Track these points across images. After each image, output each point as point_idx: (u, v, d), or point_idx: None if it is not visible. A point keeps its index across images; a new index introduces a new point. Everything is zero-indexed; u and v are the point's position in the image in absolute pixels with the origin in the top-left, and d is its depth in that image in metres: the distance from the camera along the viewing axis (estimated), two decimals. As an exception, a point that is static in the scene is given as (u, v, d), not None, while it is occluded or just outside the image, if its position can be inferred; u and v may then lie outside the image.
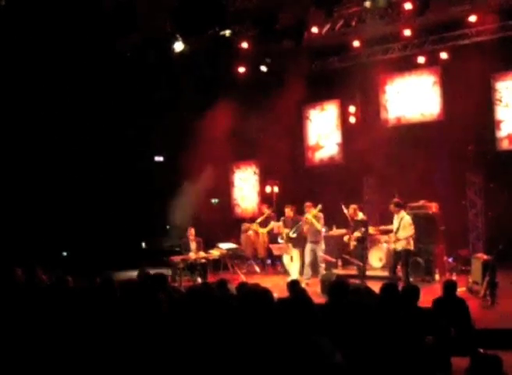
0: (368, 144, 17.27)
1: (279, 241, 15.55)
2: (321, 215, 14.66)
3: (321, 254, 14.64)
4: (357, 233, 13.54)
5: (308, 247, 14.75)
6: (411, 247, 12.78)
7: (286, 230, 15.20)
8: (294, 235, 14.90)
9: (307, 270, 14.76)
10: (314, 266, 14.71)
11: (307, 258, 14.78)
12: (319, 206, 14.60)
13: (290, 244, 15.00)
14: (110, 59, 15.84)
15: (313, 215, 14.54)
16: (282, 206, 15.85)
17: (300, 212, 14.99)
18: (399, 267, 13.30)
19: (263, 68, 17.91)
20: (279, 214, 16.32)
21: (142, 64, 16.24)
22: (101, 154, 17.52)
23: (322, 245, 14.73)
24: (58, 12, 13.59)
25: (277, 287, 13.98)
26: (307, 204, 14.73)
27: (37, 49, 14.70)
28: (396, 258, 12.97)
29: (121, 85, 16.87)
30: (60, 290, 7.81)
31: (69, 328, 6.35)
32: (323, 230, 15.94)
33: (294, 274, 15.10)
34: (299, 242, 15.00)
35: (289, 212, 15.36)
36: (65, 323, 6.51)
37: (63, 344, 6.04)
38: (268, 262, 17.82)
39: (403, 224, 12.72)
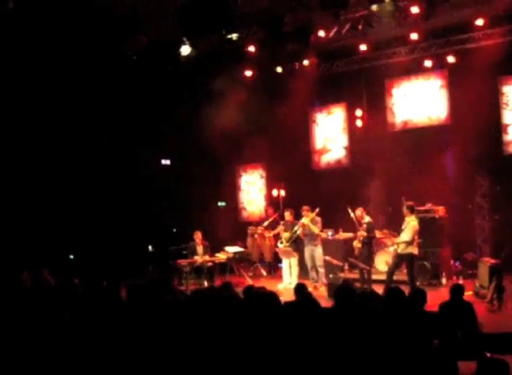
0: (375, 147, 17.30)
1: (279, 245, 15.59)
2: (318, 219, 14.74)
3: (319, 257, 14.69)
4: (361, 233, 13.53)
5: (307, 251, 14.83)
6: (415, 251, 12.77)
7: (285, 234, 15.29)
8: (287, 244, 15.04)
9: (312, 274, 14.81)
10: (316, 269, 14.77)
11: (309, 263, 14.85)
12: (316, 210, 14.69)
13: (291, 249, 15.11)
14: (117, 62, 15.85)
15: (310, 219, 14.59)
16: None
17: (298, 215, 15.06)
18: (404, 271, 13.33)
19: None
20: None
21: (149, 67, 16.25)
22: (108, 157, 17.51)
23: (320, 249, 14.76)
24: (64, 15, 13.61)
25: (284, 290, 14.05)
26: (305, 207, 14.82)
27: (44, 53, 14.72)
28: (397, 260, 12.97)
29: (127, 88, 16.87)
30: (67, 293, 7.82)
31: (76, 330, 6.35)
32: (329, 233, 16.00)
33: (286, 279, 15.20)
34: (297, 248, 15.10)
35: (288, 216, 15.49)
36: (72, 325, 6.52)
37: (70, 346, 6.05)
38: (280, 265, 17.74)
39: (407, 228, 12.73)
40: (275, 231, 16.55)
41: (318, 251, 14.74)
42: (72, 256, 17.45)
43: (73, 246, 17.12)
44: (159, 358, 5.54)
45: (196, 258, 15.32)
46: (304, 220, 14.66)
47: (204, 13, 14.02)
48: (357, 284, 12.98)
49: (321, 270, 14.66)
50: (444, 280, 14.31)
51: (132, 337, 5.94)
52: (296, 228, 14.99)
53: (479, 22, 14.90)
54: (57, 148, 16.61)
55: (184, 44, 15.44)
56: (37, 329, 6.55)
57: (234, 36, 15.48)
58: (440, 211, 14.91)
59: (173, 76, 16.96)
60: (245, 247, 17.81)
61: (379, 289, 11.49)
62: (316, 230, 14.62)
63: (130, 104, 17.35)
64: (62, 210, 16.62)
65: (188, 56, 15.65)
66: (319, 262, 14.69)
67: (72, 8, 13.49)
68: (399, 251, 12.77)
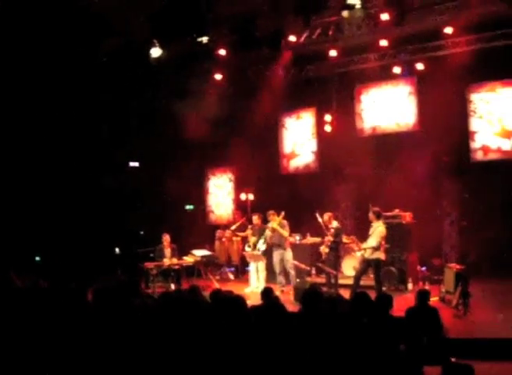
0: (344, 152, 17.33)
1: (246, 249, 15.58)
2: (285, 222, 14.75)
3: (290, 260, 14.69)
4: (328, 238, 13.56)
5: (276, 255, 14.81)
6: (382, 257, 12.81)
7: (253, 239, 15.27)
8: (263, 248, 14.98)
9: (280, 278, 14.78)
10: (286, 273, 14.75)
11: (277, 267, 14.81)
12: (282, 213, 14.68)
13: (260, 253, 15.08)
14: (86, 63, 15.74)
15: (277, 223, 14.60)
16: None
17: (266, 220, 15.05)
18: (371, 276, 13.36)
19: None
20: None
21: (118, 68, 16.16)
22: (76, 158, 17.40)
23: (290, 252, 14.77)
24: (36, 16, 13.52)
25: (251, 294, 14.02)
26: (270, 212, 14.83)
27: (13, 52, 14.59)
28: (364, 265, 13.02)
29: (97, 89, 16.77)
30: (34, 294, 7.75)
31: (42, 332, 6.29)
32: (297, 238, 16.02)
33: (253, 283, 15.19)
34: (265, 252, 15.08)
35: (256, 220, 15.47)
36: (37, 327, 6.45)
37: (35, 348, 5.99)
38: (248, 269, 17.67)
39: (374, 233, 12.78)
40: (243, 234, 16.56)
41: (288, 254, 14.71)
42: (38, 258, 17.30)
43: (40, 248, 16.98)
44: (124, 362, 5.50)
45: (163, 261, 15.24)
46: (273, 224, 14.65)
47: (175, 16, 13.99)
48: (324, 289, 13.00)
49: (292, 272, 14.65)
50: (410, 286, 14.40)
51: (98, 341, 5.89)
52: (264, 236, 14.95)
53: (448, 30, 15.02)
54: (23, 150, 16.46)
55: (155, 46, 15.40)
56: (3, 329, 6.48)
57: (205, 39, 15.46)
58: (407, 217, 15.00)
59: (143, 78, 16.87)
60: (213, 250, 17.78)
61: (346, 294, 11.52)
62: (285, 233, 14.63)
63: (99, 105, 17.24)
64: (28, 212, 16.48)
65: (158, 58, 15.59)
66: (289, 264, 14.67)
67: (44, 9, 13.41)
68: (366, 256, 12.81)
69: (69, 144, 17.14)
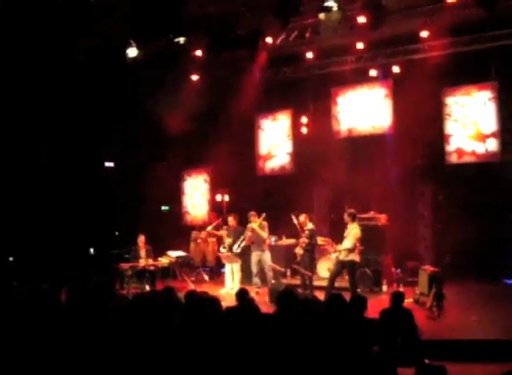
0: (319, 154, 17.36)
1: (222, 250, 15.58)
2: (265, 223, 14.79)
3: (267, 261, 14.70)
4: (303, 239, 13.59)
5: (254, 256, 14.81)
6: (357, 258, 12.86)
7: (228, 240, 15.27)
8: (239, 250, 14.99)
9: (256, 280, 14.79)
10: (262, 274, 14.75)
11: (254, 268, 14.82)
12: (263, 215, 14.71)
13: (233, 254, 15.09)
14: (62, 63, 15.65)
15: (258, 224, 14.61)
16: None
17: (245, 221, 15.04)
18: (346, 278, 13.39)
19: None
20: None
21: (94, 68, 16.07)
22: (50, 158, 17.28)
23: (268, 253, 14.79)
24: (12, 14, 13.43)
25: (226, 295, 14.02)
26: (252, 213, 14.85)
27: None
28: (339, 267, 13.05)
29: (71, 89, 16.66)
30: (6, 295, 7.68)
31: (15, 333, 6.24)
32: (272, 239, 16.03)
33: (228, 285, 15.20)
34: (241, 254, 15.08)
35: (231, 221, 15.48)
36: (11, 328, 6.40)
37: (8, 348, 5.94)
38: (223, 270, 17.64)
39: (349, 235, 12.82)
40: (218, 233, 16.55)
41: (267, 255, 14.74)
42: (11, 258, 17.16)
43: (14, 248, 16.84)
44: (97, 363, 5.47)
45: (139, 261, 15.17)
46: (253, 225, 14.65)
47: (152, 16, 13.95)
48: (299, 290, 13.01)
49: (270, 274, 14.67)
50: (385, 288, 14.47)
51: (71, 341, 5.85)
52: (240, 239, 14.96)
53: (424, 34, 15.08)
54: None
55: (131, 46, 15.32)
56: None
57: (182, 39, 15.41)
58: (382, 219, 15.06)
59: (118, 78, 16.79)
60: (188, 251, 17.75)
61: (321, 295, 11.55)
62: (264, 234, 14.66)
63: (74, 105, 17.14)
64: (1, 212, 16.34)
65: (135, 58, 15.52)
66: (267, 266, 14.69)
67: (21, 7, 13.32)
68: (341, 258, 12.85)
69: (42, 142, 17.01)
